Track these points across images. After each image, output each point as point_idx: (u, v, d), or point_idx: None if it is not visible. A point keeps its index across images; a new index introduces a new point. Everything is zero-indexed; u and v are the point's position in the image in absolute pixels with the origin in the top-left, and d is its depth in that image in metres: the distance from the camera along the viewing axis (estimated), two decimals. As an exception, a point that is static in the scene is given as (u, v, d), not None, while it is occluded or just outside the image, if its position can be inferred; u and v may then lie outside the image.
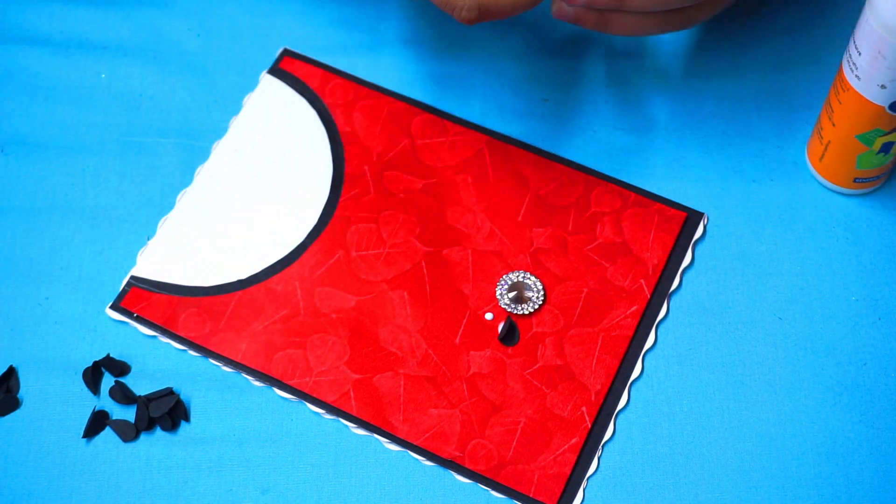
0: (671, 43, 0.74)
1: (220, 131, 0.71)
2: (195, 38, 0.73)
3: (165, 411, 0.62)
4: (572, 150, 0.70)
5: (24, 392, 0.63)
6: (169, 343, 0.64)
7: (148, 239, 0.67)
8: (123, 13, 0.74)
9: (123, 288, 0.66)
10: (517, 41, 0.74)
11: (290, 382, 0.63)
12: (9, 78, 0.72)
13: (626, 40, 0.73)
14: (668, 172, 0.70)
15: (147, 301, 0.65)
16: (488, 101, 0.72)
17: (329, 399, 0.63)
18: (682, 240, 0.67)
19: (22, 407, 0.63)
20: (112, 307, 0.65)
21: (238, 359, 0.64)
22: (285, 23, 0.74)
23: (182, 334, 0.65)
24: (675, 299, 0.66)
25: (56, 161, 0.69)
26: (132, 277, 0.66)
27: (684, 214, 0.68)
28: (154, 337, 0.65)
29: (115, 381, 0.63)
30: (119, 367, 0.63)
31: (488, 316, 0.65)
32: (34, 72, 0.72)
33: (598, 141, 0.70)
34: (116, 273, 0.66)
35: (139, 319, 0.65)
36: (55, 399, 0.63)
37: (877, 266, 0.67)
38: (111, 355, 0.64)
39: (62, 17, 0.74)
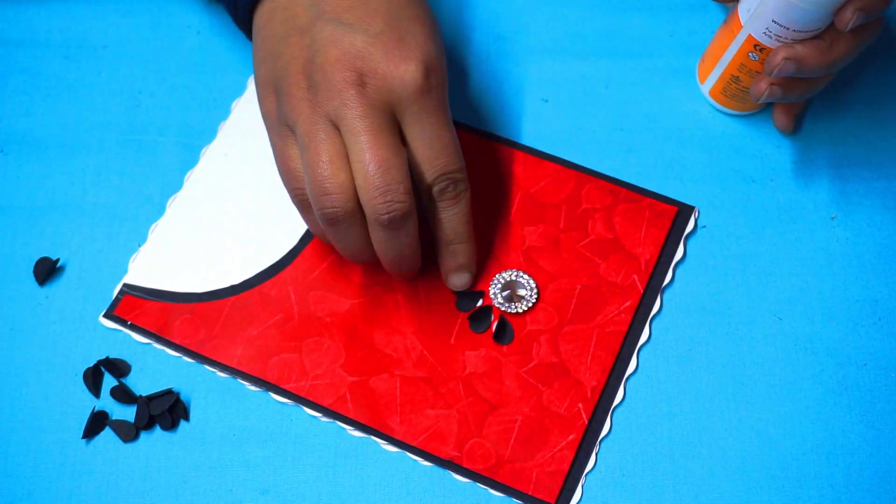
0: (672, 44, 0.73)
1: (216, 132, 0.71)
2: (195, 35, 0.73)
3: (166, 408, 0.62)
4: (571, 152, 0.70)
5: (24, 392, 0.63)
6: (164, 350, 0.65)
7: (139, 245, 0.67)
8: (123, 12, 0.74)
9: (116, 296, 0.66)
10: (517, 42, 0.73)
11: (286, 387, 0.63)
12: (9, 78, 0.72)
13: (627, 43, 0.73)
14: (668, 172, 0.69)
15: (140, 308, 0.65)
16: (488, 103, 0.72)
17: (326, 402, 0.63)
18: (674, 234, 0.67)
19: (22, 407, 0.63)
20: (105, 315, 0.65)
21: (234, 364, 0.64)
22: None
23: (176, 341, 0.65)
24: (668, 294, 0.66)
25: (56, 160, 0.69)
26: (125, 285, 0.66)
27: (675, 209, 0.68)
28: (149, 344, 0.65)
29: (117, 381, 0.63)
30: (119, 368, 0.64)
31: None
32: (34, 72, 0.72)
33: (597, 142, 0.70)
34: (117, 272, 0.66)
35: (133, 327, 0.65)
36: (55, 399, 0.63)
37: (877, 266, 0.66)
38: (111, 356, 0.64)
39: (62, 17, 0.74)
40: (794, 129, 0.70)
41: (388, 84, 0.59)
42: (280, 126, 0.61)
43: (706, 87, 0.70)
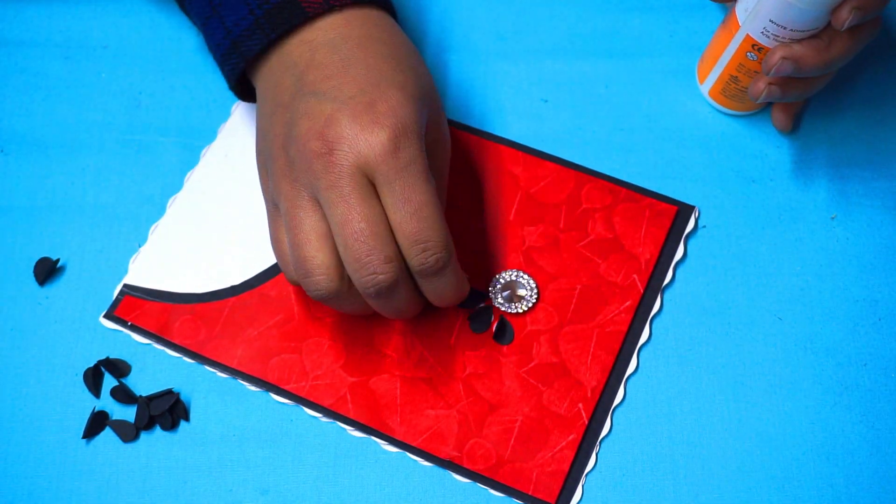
0: (672, 44, 0.73)
1: (216, 133, 0.71)
2: (195, 35, 0.73)
3: (166, 408, 0.62)
4: (571, 152, 0.70)
5: (24, 392, 0.63)
6: (164, 350, 0.65)
7: (139, 246, 0.67)
8: (123, 12, 0.74)
9: (116, 297, 0.66)
10: (517, 42, 0.73)
11: (286, 387, 0.63)
12: (9, 78, 0.72)
13: (627, 43, 0.73)
14: (668, 172, 0.69)
15: (140, 309, 0.65)
16: (487, 103, 0.72)
17: (326, 402, 0.63)
18: (674, 233, 0.67)
19: (22, 407, 0.63)
20: (106, 316, 0.65)
21: (234, 365, 0.64)
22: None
23: (177, 342, 0.65)
24: (668, 294, 0.66)
25: (56, 160, 0.69)
26: (125, 286, 0.66)
27: (675, 208, 0.68)
28: (149, 344, 0.65)
29: (117, 381, 0.63)
30: (119, 369, 0.64)
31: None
32: (34, 72, 0.72)
33: (597, 142, 0.70)
34: (117, 273, 0.66)
35: (133, 328, 0.65)
36: (55, 399, 0.63)
37: (877, 266, 0.66)
38: (111, 356, 0.64)
39: (62, 17, 0.74)
40: (793, 128, 0.70)
41: (354, 148, 0.57)
42: (271, 206, 0.61)
43: (705, 88, 0.70)
